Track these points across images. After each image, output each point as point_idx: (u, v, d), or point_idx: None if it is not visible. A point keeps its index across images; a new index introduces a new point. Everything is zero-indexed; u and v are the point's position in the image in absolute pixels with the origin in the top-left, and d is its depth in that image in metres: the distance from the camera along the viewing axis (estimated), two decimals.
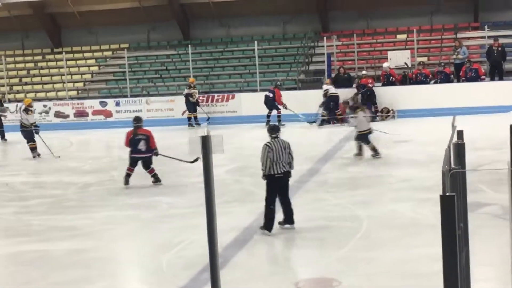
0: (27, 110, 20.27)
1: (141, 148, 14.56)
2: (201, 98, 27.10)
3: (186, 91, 26.75)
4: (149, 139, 14.62)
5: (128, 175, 14.74)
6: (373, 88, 25.22)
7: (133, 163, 14.72)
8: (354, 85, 25.77)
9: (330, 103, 24.56)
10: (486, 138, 17.35)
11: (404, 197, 12.28)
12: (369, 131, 16.63)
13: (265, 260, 9.32)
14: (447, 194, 3.26)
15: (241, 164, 16.51)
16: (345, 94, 24.61)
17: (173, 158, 15.42)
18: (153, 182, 14.72)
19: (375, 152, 16.40)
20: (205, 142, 4.53)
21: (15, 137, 22.17)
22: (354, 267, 8.67)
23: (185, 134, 22.45)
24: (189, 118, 26.56)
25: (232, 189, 13.83)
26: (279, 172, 10.04)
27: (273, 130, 10.36)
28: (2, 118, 25.71)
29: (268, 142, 10.15)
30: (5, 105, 28.12)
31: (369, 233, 10.20)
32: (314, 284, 8.26)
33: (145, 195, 13.89)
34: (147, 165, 14.77)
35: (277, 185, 10.15)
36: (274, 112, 25.18)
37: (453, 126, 4.43)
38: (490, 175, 13.15)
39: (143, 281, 8.99)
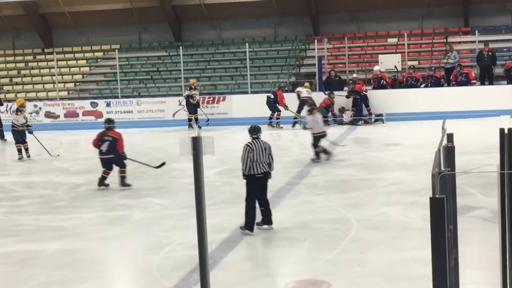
0: (18, 110, 20.21)
1: (103, 149, 14.42)
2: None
3: (186, 92, 26.54)
4: (116, 141, 14.48)
5: (103, 178, 14.64)
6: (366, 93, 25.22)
7: (103, 165, 14.60)
8: (346, 89, 25.80)
9: (303, 106, 24.61)
10: (475, 142, 17.41)
11: (394, 200, 12.31)
12: (323, 134, 16.58)
13: (255, 261, 9.33)
14: (437, 196, 3.28)
15: (231, 166, 16.47)
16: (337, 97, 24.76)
17: (140, 162, 15.36)
18: (119, 185, 14.56)
19: (317, 157, 16.46)
20: (196, 143, 4.54)
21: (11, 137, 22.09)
22: (344, 269, 8.69)
23: (176, 135, 22.41)
24: (189, 120, 26.36)
25: (222, 190, 13.83)
26: (259, 172, 10.21)
27: (254, 131, 10.48)
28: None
29: (249, 142, 10.30)
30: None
31: (358, 235, 10.22)
32: (304, 286, 8.27)
33: (136, 196, 13.87)
34: (119, 165, 14.62)
35: (257, 185, 10.30)
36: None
37: (443, 129, 4.45)
38: (480, 179, 13.20)
39: (133, 282, 8.98)
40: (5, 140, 24.64)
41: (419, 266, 7.93)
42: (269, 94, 25.43)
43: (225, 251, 9.62)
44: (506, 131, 4.22)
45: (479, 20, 30.56)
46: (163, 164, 15.29)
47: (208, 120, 26.26)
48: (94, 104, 28.97)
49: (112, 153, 14.47)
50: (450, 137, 4.47)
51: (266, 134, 22.15)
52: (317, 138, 16.32)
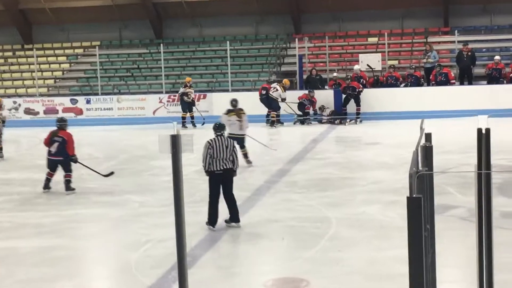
0: None
1: (52, 150, 13.97)
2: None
3: (181, 90, 26.18)
4: (65, 143, 13.93)
5: (47, 180, 14.13)
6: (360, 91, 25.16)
7: (48, 166, 14.11)
8: (327, 85, 25.71)
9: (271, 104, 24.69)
10: (453, 142, 17.50)
11: (373, 199, 12.36)
12: (241, 137, 15.62)
13: (234, 259, 9.34)
14: (414, 196, 3.30)
15: None
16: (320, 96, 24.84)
17: (89, 168, 14.82)
18: (65, 189, 13.99)
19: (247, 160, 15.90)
20: (175, 141, 4.54)
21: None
22: (323, 268, 8.71)
23: (156, 133, 22.34)
24: (183, 118, 25.88)
25: (202, 188, 13.75)
26: (218, 169, 10.36)
27: (218, 128, 10.83)
28: None
29: (210, 139, 10.54)
30: None
31: (338, 234, 10.25)
32: (283, 284, 8.29)
33: (115, 193, 13.82)
34: (64, 168, 14.05)
35: (217, 181, 10.45)
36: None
37: (421, 129, 4.48)
38: (457, 178, 13.28)
39: (111, 280, 8.96)
40: None
41: (398, 264, 7.97)
42: (260, 91, 25.27)
43: (204, 249, 9.63)
44: (483, 131, 4.25)
45: (458, 20, 30.73)
46: (111, 173, 14.76)
47: (204, 119, 25.12)
48: (74, 101, 28.85)
49: (60, 156, 13.90)
50: (428, 136, 4.50)
51: (264, 133, 22.21)
52: (236, 139, 14.27)
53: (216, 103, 27.04)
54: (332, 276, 8.39)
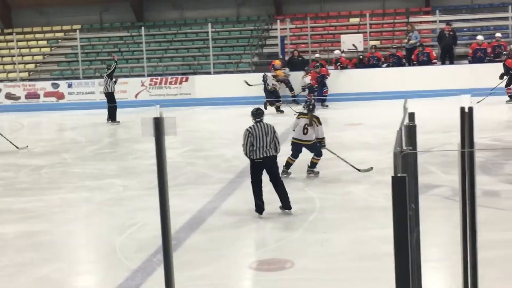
0: None
1: None
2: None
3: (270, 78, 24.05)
4: None
5: None
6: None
7: None
8: (310, 69, 25.45)
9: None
10: (437, 121, 17.57)
11: (358, 179, 12.39)
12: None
13: (219, 242, 9.34)
14: (398, 175, 3.31)
15: (195, 147, 16.50)
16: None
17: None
18: None
19: None
20: (158, 124, 4.52)
21: None
22: (308, 248, 8.74)
23: (138, 116, 22.27)
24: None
25: (186, 171, 13.82)
26: (259, 157, 10.00)
27: (257, 114, 10.27)
28: None
29: (249, 127, 10.13)
30: None
31: (323, 215, 10.29)
32: (268, 265, 8.31)
33: (99, 177, 13.80)
34: None
35: (259, 169, 10.11)
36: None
37: (405, 108, 4.48)
38: (441, 158, 13.35)
39: (96, 264, 8.96)
40: None
41: (383, 244, 8.00)
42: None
43: (188, 232, 9.63)
44: (466, 110, 4.26)
45: (440, 0, 30.77)
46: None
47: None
48: (55, 85, 28.69)
49: None
50: (411, 116, 4.50)
51: (220, 117, 22.18)
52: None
53: (198, 86, 27.03)
54: (317, 256, 8.42)
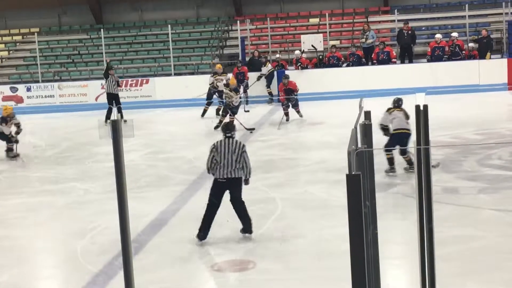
0: None
1: None
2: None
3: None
4: None
5: None
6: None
7: None
8: (270, 67, 25.44)
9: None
10: None
11: (318, 178, 12.47)
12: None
13: (181, 244, 9.33)
14: (353, 173, 3.35)
15: (155, 149, 16.45)
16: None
17: None
18: None
19: None
20: (115, 126, 4.52)
21: None
22: (269, 248, 8.79)
23: (98, 120, 22.12)
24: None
25: (147, 174, 13.77)
26: (222, 177, 9.04)
27: (227, 129, 9.42)
28: None
29: (216, 141, 9.29)
30: None
31: (283, 215, 10.34)
32: (230, 266, 8.34)
33: (60, 181, 13.70)
34: None
35: (220, 190, 9.13)
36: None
37: (360, 107, 4.54)
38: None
39: (58, 268, 8.91)
40: None
41: (343, 242, 8.01)
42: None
43: (150, 234, 9.62)
44: (421, 108, 4.32)
45: None
46: None
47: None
48: (14, 89, 28.37)
49: None
50: (367, 114, 4.56)
51: (182, 118, 22.08)
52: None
53: (159, 88, 26.93)
54: (279, 256, 8.47)
